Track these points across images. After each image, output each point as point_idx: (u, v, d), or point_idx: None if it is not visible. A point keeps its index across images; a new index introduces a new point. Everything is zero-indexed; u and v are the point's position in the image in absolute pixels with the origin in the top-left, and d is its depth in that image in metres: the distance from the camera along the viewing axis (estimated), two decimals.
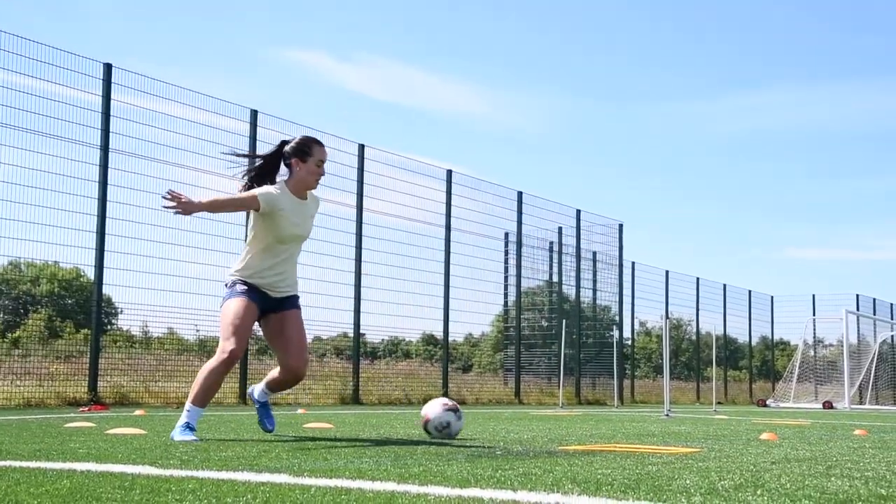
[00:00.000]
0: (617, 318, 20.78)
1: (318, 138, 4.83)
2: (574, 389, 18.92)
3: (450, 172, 15.96)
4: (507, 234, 17.94)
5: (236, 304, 4.57)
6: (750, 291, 28.92)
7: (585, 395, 19.22)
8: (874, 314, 30.81)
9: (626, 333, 22.52)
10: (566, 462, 3.53)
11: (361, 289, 13.90)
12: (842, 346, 25.14)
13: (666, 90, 67.97)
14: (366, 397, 13.93)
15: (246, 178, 4.78)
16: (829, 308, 29.71)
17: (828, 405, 22.53)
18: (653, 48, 66.01)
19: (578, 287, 19.76)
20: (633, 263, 22.73)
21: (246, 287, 4.62)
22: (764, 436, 5.82)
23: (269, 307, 4.71)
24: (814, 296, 30.65)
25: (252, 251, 4.70)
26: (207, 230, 11.76)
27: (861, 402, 26.45)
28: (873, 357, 28.57)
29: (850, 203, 69.22)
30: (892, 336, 31.49)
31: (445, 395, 15.32)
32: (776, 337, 31.89)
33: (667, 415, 10.34)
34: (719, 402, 21.56)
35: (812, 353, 29.91)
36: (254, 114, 12.48)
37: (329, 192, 13.61)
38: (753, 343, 30.18)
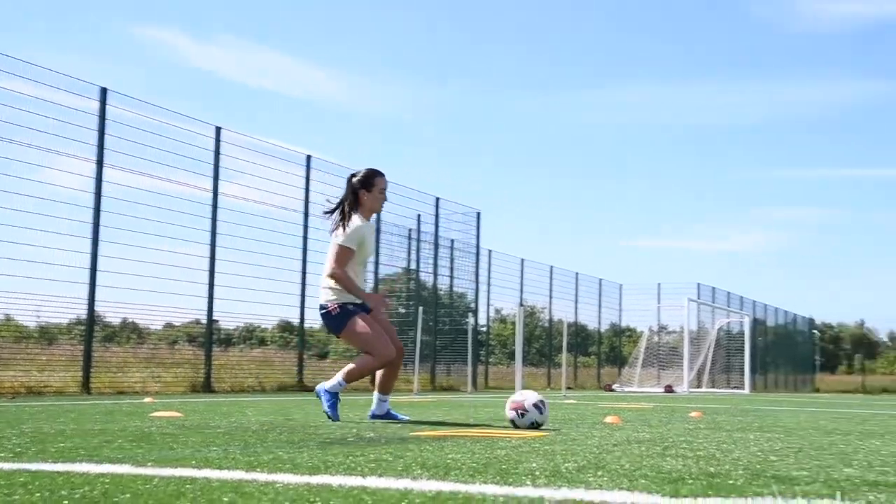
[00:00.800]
0: (473, 305, 21.09)
1: (378, 169, 5.75)
2: (429, 376, 19.10)
3: (309, 158, 15.76)
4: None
5: (361, 322, 5.50)
6: (601, 280, 29.89)
7: (440, 382, 19.44)
8: (713, 302, 32.48)
9: (482, 320, 22.92)
10: (417, 448, 3.56)
11: (215, 275, 13.56)
12: (683, 332, 26.40)
13: (526, 81, 69.35)
14: (218, 385, 13.62)
15: (338, 226, 5.66)
16: (673, 296, 31.11)
17: (669, 389, 23.62)
18: (514, 38, 67.16)
19: (436, 274, 19.94)
20: (490, 251, 23.11)
21: (350, 305, 5.54)
22: (608, 419, 6.05)
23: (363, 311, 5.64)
24: (659, 284, 32.03)
25: None
26: (50, 211, 11.20)
27: (699, 386, 27.86)
28: (711, 343, 30.14)
29: (694, 197, 72.73)
30: (729, 323, 33.30)
31: (300, 382, 15.17)
32: (624, 324, 33.16)
33: None
34: (569, 388, 22.23)
35: (656, 339, 31.27)
36: (103, 91, 11.94)
37: (183, 175, 13.22)
38: (603, 330, 31.26)
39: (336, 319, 5.54)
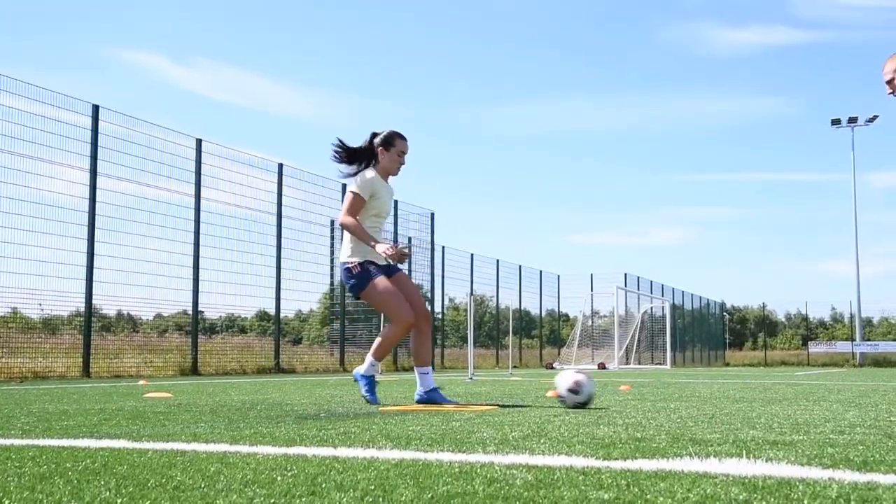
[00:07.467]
0: (429, 295, 21.09)
1: (402, 133, 4.99)
2: (392, 358, 19.07)
3: (280, 166, 15.66)
4: (332, 221, 17.77)
5: (382, 283, 4.76)
6: (541, 271, 30.04)
7: (402, 363, 19.42)
8: (638, 289, 32.87)
9: (438, 308, 22.94)
10: (382, 421, 3.56)
11: (200, 270, 13.42)
12: (613, 316, 26.68)
13: (476, 92, 69.55)
14: (204, 368, 13.48)
15: (340, 162, 4.93)
16: (604, 284, 31.41)
17: (602, 366, 23.86)
18: (460, 54, 67.24)
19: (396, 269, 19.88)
20: (444, 247, 23.11)
21: (372, 265, 4.80)
22: (549, 393, 6.09)
23: (385, 274, 4.89)
24: (592, 274, 32.32)
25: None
26: (48, 216, 10.99)
27: (627, 363, 28.20)
28: (637, 325, 30.51)
29: (621, 196, 73.62)
30: (652, 308, 33.72)
31: (277, 365, 15.06)
32: (562, 310, 33.40)
33: (470, 378, 10.61)
34: (514, 366, 22.35)
35: (590, 323, 31.56)
36: (95, 109, 11.73)
37: (169, 182, 13.06)
38: (543, 315, 31.43)
39: (357, 278, 4.76)
